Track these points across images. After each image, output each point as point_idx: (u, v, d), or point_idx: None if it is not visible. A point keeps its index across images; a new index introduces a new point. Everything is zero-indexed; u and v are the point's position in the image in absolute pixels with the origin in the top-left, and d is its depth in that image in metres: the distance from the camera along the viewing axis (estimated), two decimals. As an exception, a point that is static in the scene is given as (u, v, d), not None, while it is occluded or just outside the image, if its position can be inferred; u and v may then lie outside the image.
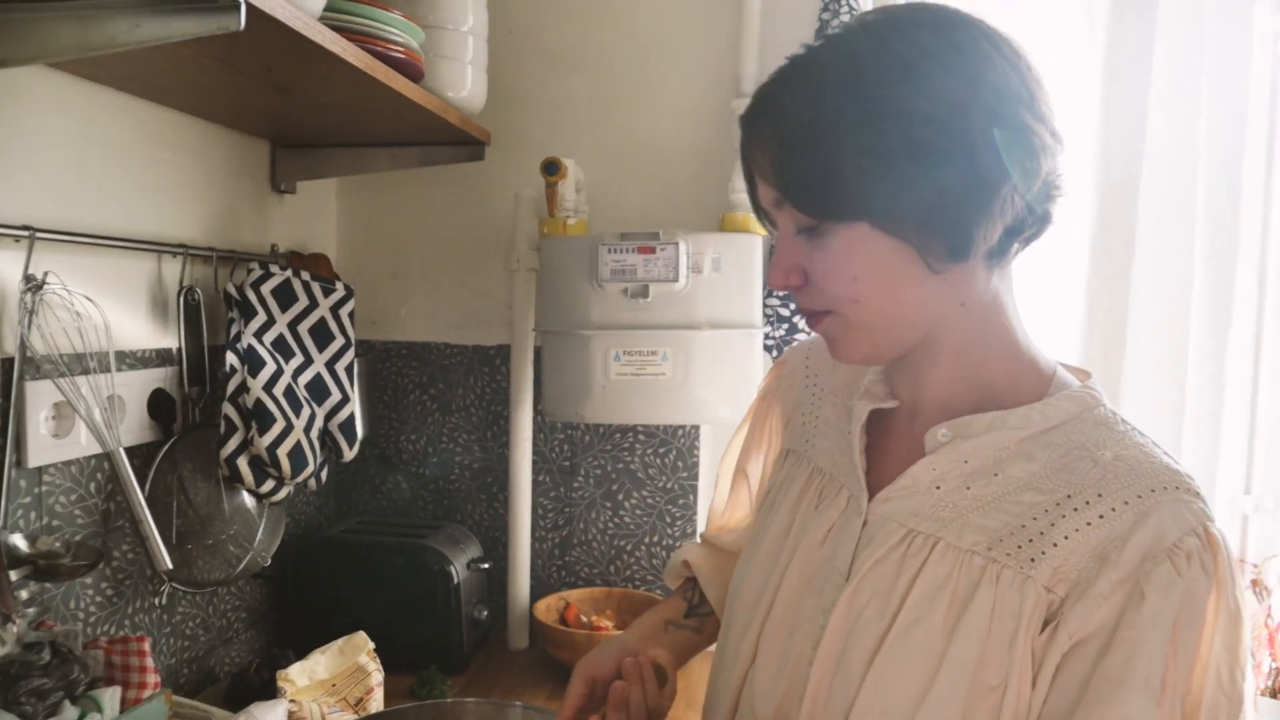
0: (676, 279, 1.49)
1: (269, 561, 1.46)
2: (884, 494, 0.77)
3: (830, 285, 0.73)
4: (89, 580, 1.21)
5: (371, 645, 1.30)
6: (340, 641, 1.28)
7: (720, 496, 1.06)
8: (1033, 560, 0.69)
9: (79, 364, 1.15)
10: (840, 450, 0.84)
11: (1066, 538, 0.68)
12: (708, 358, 1.52)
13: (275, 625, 1.65)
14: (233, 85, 1.24)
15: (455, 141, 1.61)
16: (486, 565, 1.67)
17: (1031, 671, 0.68)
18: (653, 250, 1.50)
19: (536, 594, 1.75)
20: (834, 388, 0.90)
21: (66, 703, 1.01)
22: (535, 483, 1.78)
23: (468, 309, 1.81)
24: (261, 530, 1.46)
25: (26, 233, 1.08)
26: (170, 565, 1.12)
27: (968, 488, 0.73)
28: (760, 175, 0.74)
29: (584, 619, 1.67)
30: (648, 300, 1.51)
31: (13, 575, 1.04)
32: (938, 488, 0.74)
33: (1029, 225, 0.72)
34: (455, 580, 1.58)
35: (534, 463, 1.76)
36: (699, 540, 1.08)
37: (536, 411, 1.74)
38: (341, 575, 1.60)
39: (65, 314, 1.14)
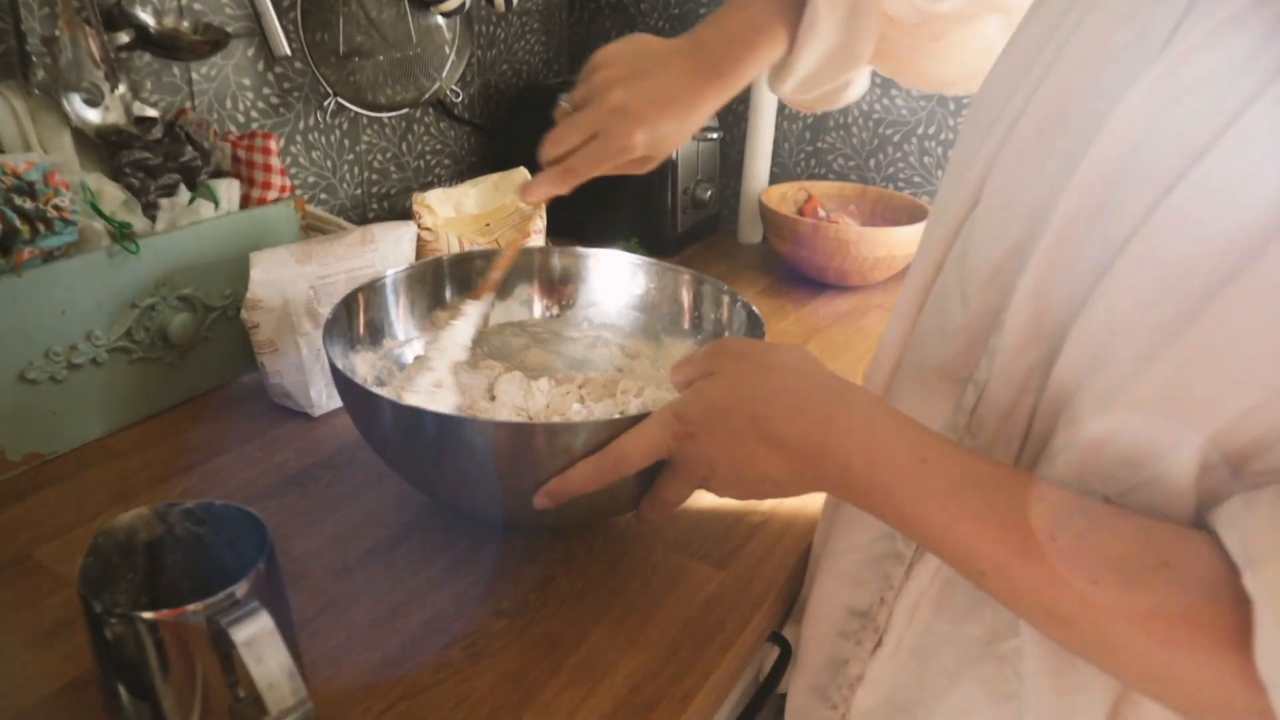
0: None
1: (459, 95, 1.30)
2: None
3: None
4: (247, 82, 1.11)
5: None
6: (496, 176, 1.11)
7: None
8: None
9: None
10: None
11: None
12: None
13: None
14: None
15: None
16: (717, 135, 1.41)
17: None
18: None
19: (777, 182, 1.47)
20: None
21: (182, 186, 0.95)
22: (790, 45, 1.43)
23: None
24: (451, 57, 1.29)
25: None
26: (288, 51, 0.98)
27: None
28: None
29: (822, 213, 1.38)
30: None
31: (123, 38, 0.95)
32: None
33: None
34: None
35: (788, 17, 1.40)
36: None
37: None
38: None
39: None
